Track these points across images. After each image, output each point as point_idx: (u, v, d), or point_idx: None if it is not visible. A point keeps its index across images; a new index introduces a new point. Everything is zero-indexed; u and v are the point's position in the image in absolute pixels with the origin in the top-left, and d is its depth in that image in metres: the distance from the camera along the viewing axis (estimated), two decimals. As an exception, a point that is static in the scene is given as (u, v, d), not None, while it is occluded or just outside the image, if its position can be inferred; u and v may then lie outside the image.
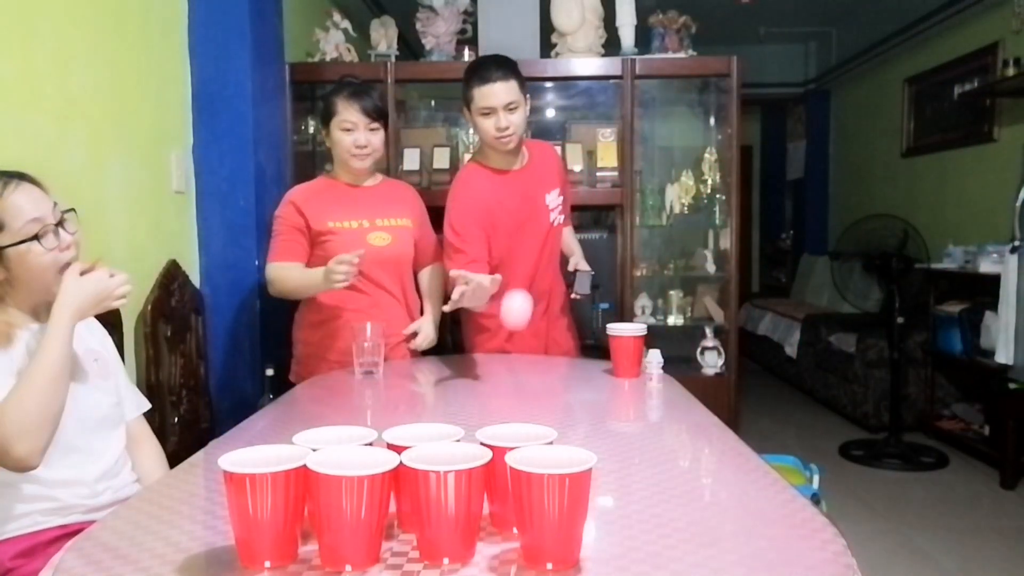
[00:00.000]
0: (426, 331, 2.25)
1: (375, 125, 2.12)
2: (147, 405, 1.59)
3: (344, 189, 2.19)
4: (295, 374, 2.24)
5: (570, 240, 2.47)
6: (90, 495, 1.34)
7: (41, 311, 1.36)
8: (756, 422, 4.47)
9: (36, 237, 1.28)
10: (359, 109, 2.09)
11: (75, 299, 1.28)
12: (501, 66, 2.11)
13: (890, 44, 5.45)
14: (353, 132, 2.09)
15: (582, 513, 0.86)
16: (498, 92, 2.08)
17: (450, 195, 2.24)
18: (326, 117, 2.14)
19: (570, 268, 2.31)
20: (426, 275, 2.36)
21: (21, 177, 1.31)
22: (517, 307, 1.91)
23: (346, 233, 2.12)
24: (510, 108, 2.10)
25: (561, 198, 2.34)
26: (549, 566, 0.85)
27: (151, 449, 1.56)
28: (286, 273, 2.10)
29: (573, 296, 2.31)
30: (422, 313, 2.32)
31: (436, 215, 2.34)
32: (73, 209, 1.37)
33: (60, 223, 1.33)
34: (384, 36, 3.23)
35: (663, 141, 3.39)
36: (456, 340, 2.66)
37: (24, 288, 1.32)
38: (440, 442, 0.96)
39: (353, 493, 0.84)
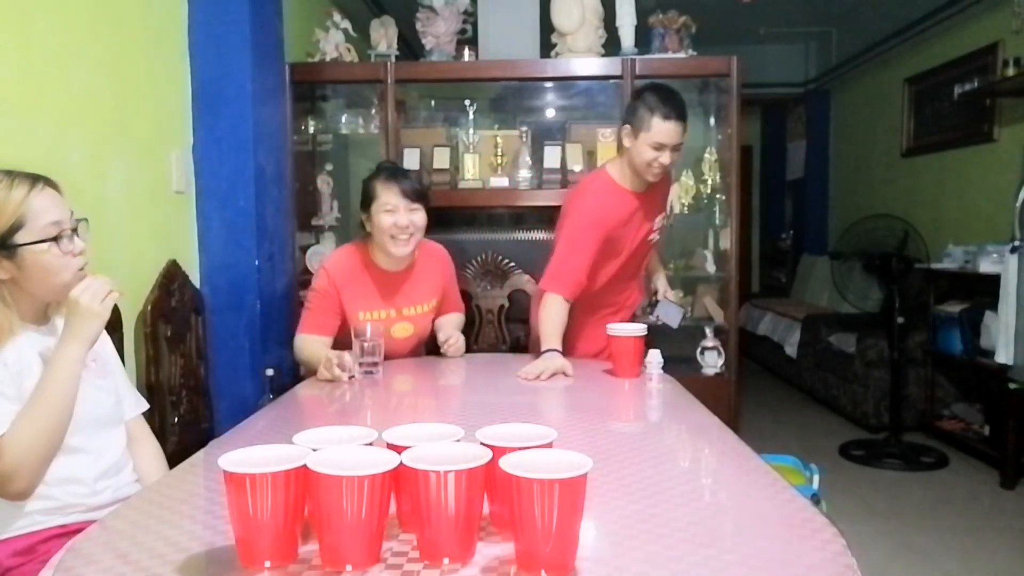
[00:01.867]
0: (458, 337, 2.29)
1: (415, 206, 2.14)
2: (145, 405, 1.59)
3: (378, 277, 2.21)
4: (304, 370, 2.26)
5: (655, 261, 2.52)
6: (90, 494, 1.34)
7: (41, 316, 1.37)
8: (756, 422, 4.47)
9: (56, 239, 1.30)
10: (398, 191, 2.12)
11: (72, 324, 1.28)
12: (682, 108, 2.15)
13: (890, 44, 5.45)
14: (394, 213, 2.11)
15: (576, 519, 0.85)
16: (676, 132, 2.13)
17: (580, 200, 2.25)
18: (366, 201, 2.17)
19: (659, 296, 2.35)
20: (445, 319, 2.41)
21: (46, 181, 1.33)
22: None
23: (372, 323, 2.14)
24: (676, 148, 2.15)
25: (663, 223, 2.40)
26: (543, 573, 0.85)
27: (150, 449, 1.56)
28: (308, 348, 2.14)
29: (654, 320, 2.33)
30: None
31: (436, 215, 2.35)
32: (86, 219, 1.38)
33: (74, 230, 1.34)
34: (384, 36, 3.23)
35: (663, 141, 3.39)
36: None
37: (31, 289, 1.32)
38: (440, 442, 0.96)
39: (353, 493, 0.84)
